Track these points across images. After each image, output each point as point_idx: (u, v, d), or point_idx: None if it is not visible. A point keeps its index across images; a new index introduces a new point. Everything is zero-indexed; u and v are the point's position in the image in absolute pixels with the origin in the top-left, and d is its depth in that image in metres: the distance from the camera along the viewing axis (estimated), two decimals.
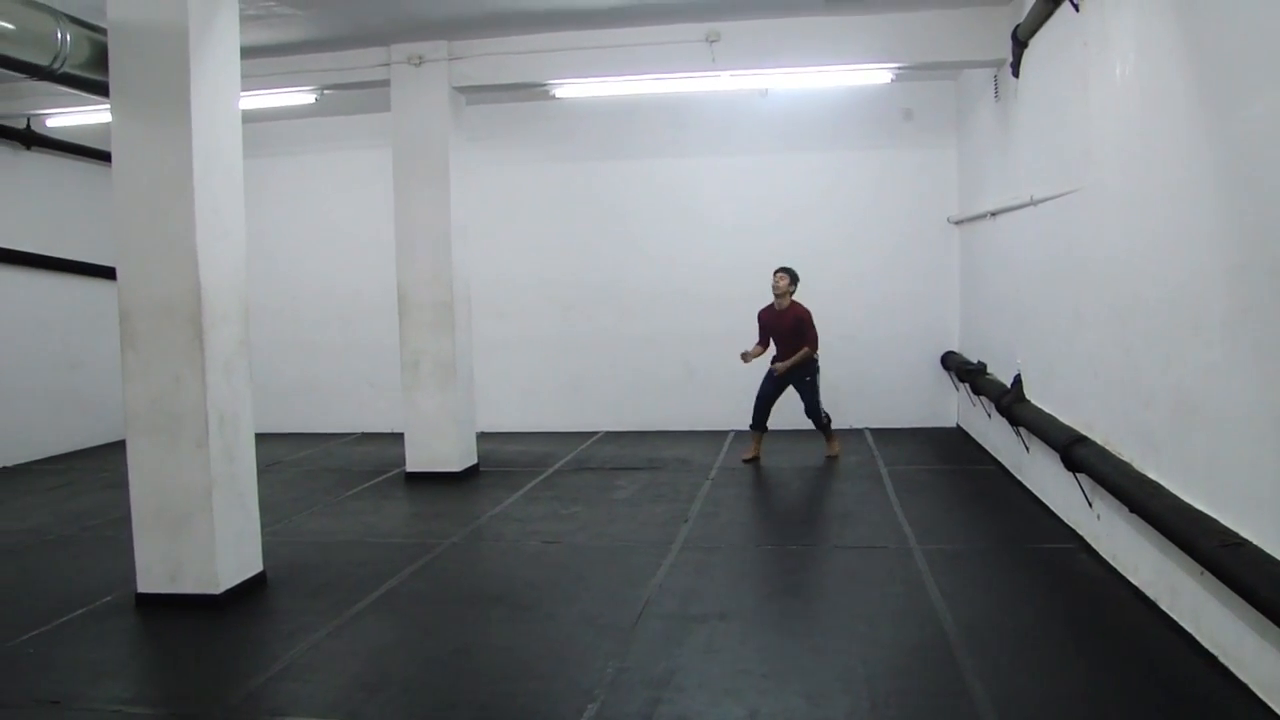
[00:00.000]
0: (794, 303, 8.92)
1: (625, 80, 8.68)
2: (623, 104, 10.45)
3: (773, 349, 9.07)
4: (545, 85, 8.86)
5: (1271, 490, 3.61)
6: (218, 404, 5.38)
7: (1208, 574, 3.95)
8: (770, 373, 9.01)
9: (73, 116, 9.49)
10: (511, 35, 8.40)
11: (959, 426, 10.45)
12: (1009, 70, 7.61)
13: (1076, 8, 5.79)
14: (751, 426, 9.07)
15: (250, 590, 5.59)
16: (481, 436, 9.43)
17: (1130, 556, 5.16)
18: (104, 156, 10.19)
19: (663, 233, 10.99)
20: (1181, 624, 4.48)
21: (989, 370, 8.71)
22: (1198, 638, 4.31)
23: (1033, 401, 7.10)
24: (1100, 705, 3.92)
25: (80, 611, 5.38)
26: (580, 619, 5.09)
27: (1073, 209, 6.05)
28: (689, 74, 8.38)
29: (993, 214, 8.34)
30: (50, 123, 10.08)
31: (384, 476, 8.97)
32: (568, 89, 9.02)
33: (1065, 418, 6.24)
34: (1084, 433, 5.75)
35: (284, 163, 11.49)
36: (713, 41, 8.11)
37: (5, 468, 9.87)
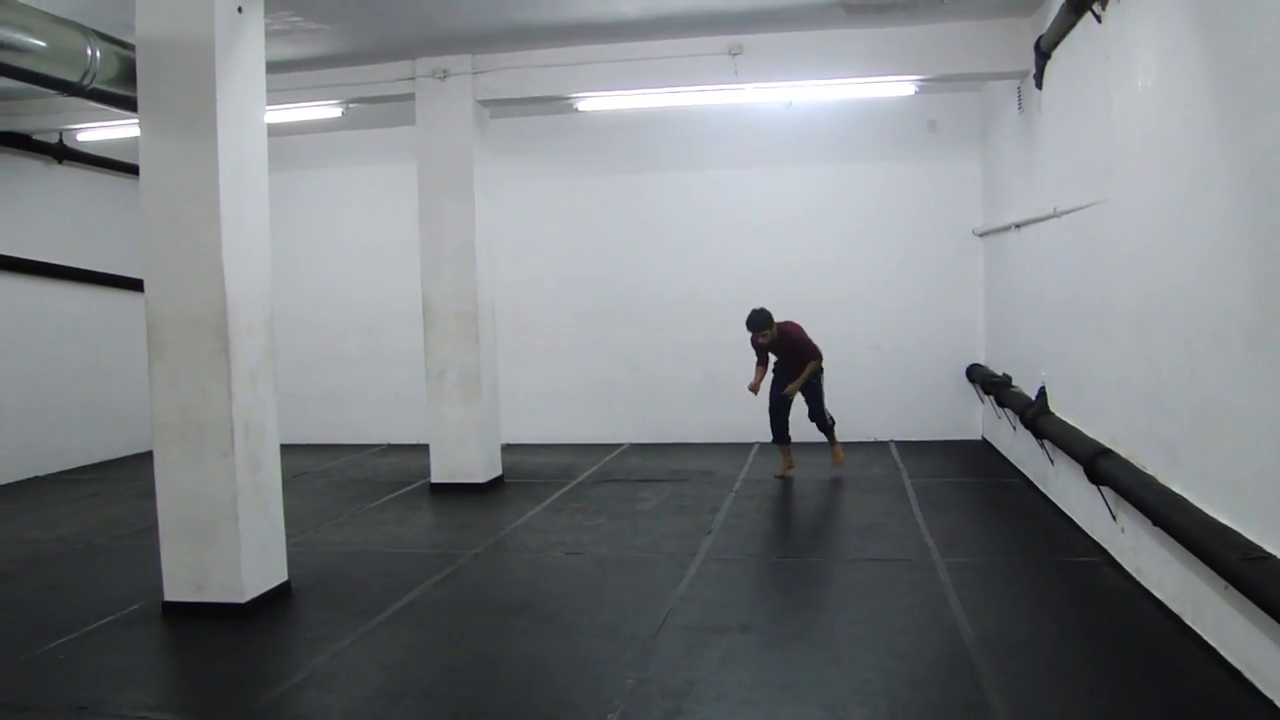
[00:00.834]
0: (777, 326, 8.62)
1: (648, 93, 8.69)
2: (645, 117, 10.49)
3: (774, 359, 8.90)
4: (569, 99, 8.92)
5: None
6: (243, 414, 5.45)
7: (1231, 588, 3.91)
8: (777, 382, 8.84)
9: (103, 131, 9.62)
10: (535, 49, 8.46)
11: (984, 439, 10.38)
12: (1032, 82, 7.59)
13: (1099, 19, 5.77)
14: (774, 441, 8.99)
15: (275, 599, 5.65)
16: (506, 448, 9.47)
17: (1154, 570, 5.11)
18: (133, 170, 10.22)
19: (686, 244, 11.01)
20: (1206, 638, 4.43)
21: (1014, 383, 8.66)
22: (1222, 652, 4.26)
23: (1057, 414, 7.05)
24: None
25: (108, 619, 5.46)
26: (602, 630, 5.11)
27: (1096, 220, 6.02)
28: (711, 87, 8.39)
29: (1017, 225, 8.29)
30: (81, 137, 10.25)
31: (409, 487, 9.02)
32: (591, 102, 9.09)
33: (1089, 430, 6.19)
34: (1108, 445, 5.71)
35: (310, 176, 11.61)
36: (735, 55, 8.12)
37: (38, 477, 10.01)
